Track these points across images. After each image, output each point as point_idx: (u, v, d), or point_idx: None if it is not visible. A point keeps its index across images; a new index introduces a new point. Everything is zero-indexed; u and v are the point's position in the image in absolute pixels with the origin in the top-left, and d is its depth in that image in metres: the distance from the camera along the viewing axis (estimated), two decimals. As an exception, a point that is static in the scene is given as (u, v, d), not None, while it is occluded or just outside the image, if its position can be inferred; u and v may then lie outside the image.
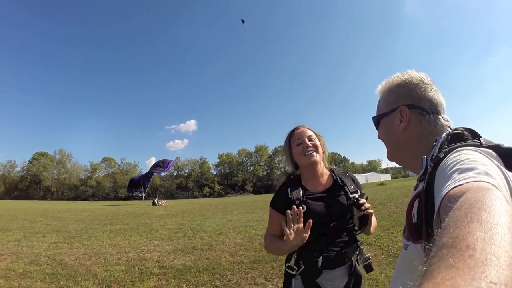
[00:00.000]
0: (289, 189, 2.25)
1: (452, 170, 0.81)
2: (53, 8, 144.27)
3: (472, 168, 0.76)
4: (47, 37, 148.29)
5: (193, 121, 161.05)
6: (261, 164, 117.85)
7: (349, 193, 2.21)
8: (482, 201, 0.56)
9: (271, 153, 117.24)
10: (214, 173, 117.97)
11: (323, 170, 2.35)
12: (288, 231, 1.91)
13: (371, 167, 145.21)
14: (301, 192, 2.20)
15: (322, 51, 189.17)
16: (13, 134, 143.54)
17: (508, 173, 0.83)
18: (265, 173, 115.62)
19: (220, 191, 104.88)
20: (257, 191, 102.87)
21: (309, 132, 2.31)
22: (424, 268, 0.44)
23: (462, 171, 0.77)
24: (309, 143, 2.25)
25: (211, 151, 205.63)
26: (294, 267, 2.13)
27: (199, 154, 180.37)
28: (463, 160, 0.83)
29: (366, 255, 2.25)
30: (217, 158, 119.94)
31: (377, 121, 1.34)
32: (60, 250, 8.64)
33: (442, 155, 0.97)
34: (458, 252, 0.42)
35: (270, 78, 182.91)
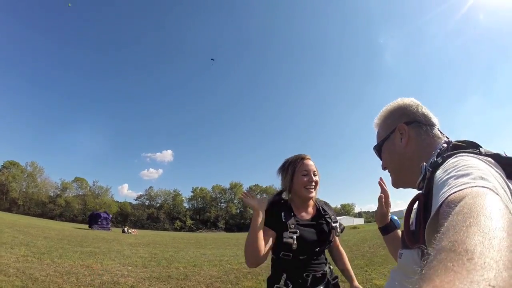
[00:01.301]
0: (282, 213, 2.32)
1: (449, 176, 0.81)
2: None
3: (468, 174, 0.76)
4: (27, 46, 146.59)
5: (169, 151, 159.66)
6: (235, 201, 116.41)
7: (332, 222, 2.39)
8: (480, 206, 0.56)
9: (245, 191, 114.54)
10: (187, 206, 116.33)
11: (311, 201, 2.48)
12: (250, 198, 2.28)
13: (345, 210, 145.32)
14: (293, 220, 2.30)
15: (304, 97, 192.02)
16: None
17: (508, 181, 0.83)
18: (238, 211, 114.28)
19: (192, 226, 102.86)
20: (229, 228, 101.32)
21: (315, 167, 2.43)
22: (423, 271, 0.44)
23: (458, 177, 0.77)
24: (314, 178, 2.37)
25: (185, 184, 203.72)
26: (283, 287, 2.20)
27: (173, 185, 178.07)
28: (459, 166, 0.83)
29: (335, 275, 2.44)
30: (191, 191, 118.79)
31: (379, 148, 1.37)
32: (30, 264, 8.38)
33: (440, 160, 0.97)
34: (457, 255, 0.42)
35: (250, 119, 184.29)
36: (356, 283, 2.49)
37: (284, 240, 2.17)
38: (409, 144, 1.24)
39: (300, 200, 2.41)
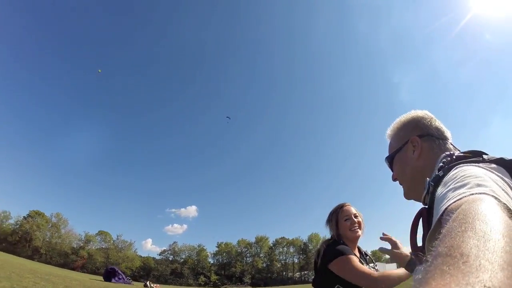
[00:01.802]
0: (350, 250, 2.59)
1: (448, 189, 0.82)
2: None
3: (465, 184, 0.77)
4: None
5: (194, 207, 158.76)
6: (261, 255, 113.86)
7: (373, 263, 2.84)
8: (475, 211, 0.57)
9: (271, 245, 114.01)
10: (212, 262, 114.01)
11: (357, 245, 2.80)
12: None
13: (376, 256, 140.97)
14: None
15: (326, 148, 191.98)
16: (13, 184, 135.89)
17: None
18: (264, 265, 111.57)
19: (217, 281, 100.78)
20: (255, 283, 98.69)
21: (354, 211, 2.76)
22: (420, 276, 0.45)
23: (455, 189, 0.78)
24: (355, 219, 2.70)
25: (209, 239, 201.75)
26: None
27: (197, 241, 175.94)
28: (458, 178, 0.85)
29: None
30: (216, 246, 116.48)
31: (391, 159, 1.39)
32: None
33: (441, 173, 1.00)
34: (452, 259, 0.43)
35: (275, 173, 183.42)
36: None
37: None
38: (421, 157, 1.26)
39: (349, 242, 2.67)
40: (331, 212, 2.81)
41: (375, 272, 2.43)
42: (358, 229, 2.65)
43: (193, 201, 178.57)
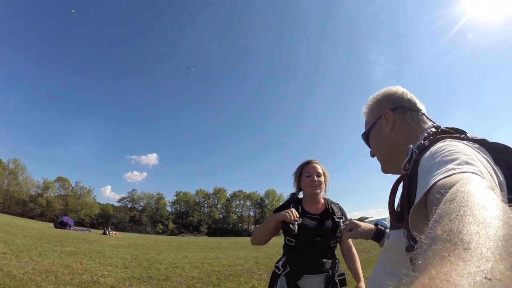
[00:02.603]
0: (291, 205, 2.73)
1: (435, 161, 0.82)
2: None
3: (454, 159, 0.77)
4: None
5: (154, 155, 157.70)
6: (218, 206, 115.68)
7: (336, 218, 2.72)
8: (473, 194, 0.56)
9: (229, 197, 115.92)
10: (170, 210, 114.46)
11: (320, 199, 2.86)
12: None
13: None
14: (299, 210, 2.69)
15: (290, 108, 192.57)
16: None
17: (495, 167, 0.84)
18: (221, 216, 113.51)
19: (174, 230, 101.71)
20: (211, 233, 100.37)
21: (319, 169, 2.83)
22: (419, 262, 0.43)
23: (444, 162, 0.78)
24: (316, 178, 2.76)
25: (169, 188, 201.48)
26: (281, 267, 2.56)
27: (156, 189, 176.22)
28: (446, 151, 0.84)
29: (342, 271, 2.68)
30: (174, 195, 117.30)
31: (366, 135, 1.41)
32: (8, 261, 8.24)
33: (427, 143, 0.99)
34: (452, 245, 0.41)
35: (236, 125, 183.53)
36: (361, 283, 2.61)
37: (289, 225, 2.52)
38: (395, 129, 1.27)
39: (308, 197, 2.82)
40: (298, 166, 2.93)
41: (257, 229, 2.84)
42: (317, 187, 2.74)
43: (154, 148, 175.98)
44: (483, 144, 0.93)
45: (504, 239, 0.41)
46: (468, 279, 0.33)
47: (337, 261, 2.70)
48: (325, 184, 2.88)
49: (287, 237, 2.62)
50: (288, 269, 2.53)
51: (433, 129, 1.12)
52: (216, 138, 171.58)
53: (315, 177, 2.77)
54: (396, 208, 1.09)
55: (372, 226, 1.97)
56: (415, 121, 1.26)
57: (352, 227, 2.02)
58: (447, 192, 0.61)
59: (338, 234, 2.68)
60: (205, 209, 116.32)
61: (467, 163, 0.74)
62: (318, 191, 2.77)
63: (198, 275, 8.92)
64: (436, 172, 0.75)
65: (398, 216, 1.03)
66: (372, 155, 1.39)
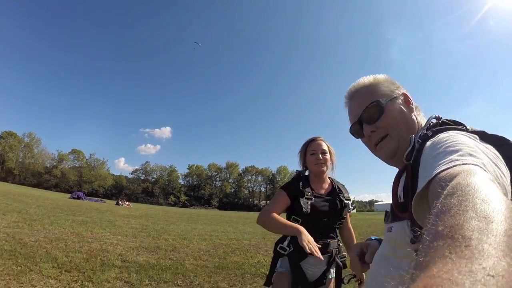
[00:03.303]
0: (301, 183, 2.62)
1: (438, 151, 0.81)
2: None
3: (457, 150, 0.76)
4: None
5: (168, 128, 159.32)
6: (230, 181, 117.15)
7: (344, 200, 2.67)
8: (474, 187, 0.54)
9: (241, 172, 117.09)
10: (182, 183, 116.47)
11: (326, 178, 2.77)
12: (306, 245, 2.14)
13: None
14: (310, 190, 2.60)
15: (307, 88, 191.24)
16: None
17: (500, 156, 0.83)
18: (232, 190, 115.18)
19: (185, 202, 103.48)
20: (222, 207, 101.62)
21: (324, 146, 2.70)
22: (421, 259, 0.41)
23: (447, 153, 0.77)
24: (321, 156, 2.65)
25: (182, 161, 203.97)
26: (286, 247, 2.45)
27: (169, 162, 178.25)
28: (449, 142, 0.83)
29: (344, 253, 2.66)
30: (187, 168, 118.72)
31: (380, 106, 1.20)
32: (20, 229, 8.46)
33: (430, 133, 0.98)
34: (454, 242, 0.40)
35: (252, 101, 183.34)
36: None
37: (301, 203, 2.48)
38: (413, 114, 1.22)
39: (314, 176, 2.72)
40: (302, 144, 2.81)
41: (270, 212, 2.49)
42: (323, 165, 2.63)
43: (168, 122, 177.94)
44: (483, 136, 0.92)
45: (506, 234, 0.40)
46: (470, 277, 0.32)
47: (339, 242, 2.66)
48: (332, 162, 2.76)
49: (293, 216, 2.53)
50: (292, 249, 2.44)
51: (434, 120, 1.10)
52: (232, 115, 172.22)
53: (320, 155, 2.65)
54: (399, 198, 1.05)
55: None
56: (419, 113, 1.25)
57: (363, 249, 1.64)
58: (447, 185, 0.60)
59: (344, 216, 2.65)
60: (217, 183, 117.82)
61: (470, 154, 0.73)
62: (324, 168, 2.66)
63: (205, 247, 9.05)
64: (439, 163, 0.74)
65: (402, 207, 1.00)
66: (381, 127, 1.20)
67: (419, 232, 0.71)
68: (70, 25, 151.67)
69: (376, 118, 1.20)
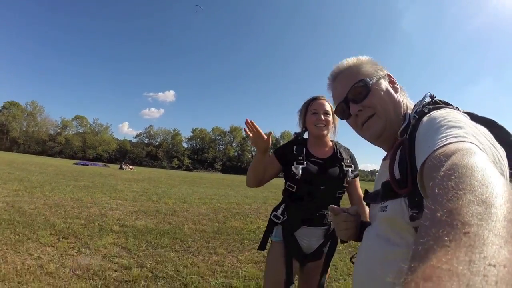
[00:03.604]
0: (295, 147, 2.43)
1: (440, 124, 0.79)
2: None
3: (461, 127, 0.74)
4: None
5: (172, 92, 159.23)
6: (234, 144, 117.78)
7: (344, 166, 2.41)
8: (472, 169, 0.52)
9: (244, 135, 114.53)
10: (186, 146, 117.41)
11: (327, 142, 2.52)
12: (251, 134, 2.15)
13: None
14: (304, 152, 2.39)
15: (317, 51, 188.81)
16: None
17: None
18: (236, 154, 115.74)
19: (189, 165, 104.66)
20: (225, 170, 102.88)
21: (327, 107, 2.44)
22: (419, 248, 0.39)
23: (449, 127, 0.76)
24: (322, 117, 2.39)
25: (185, 125, 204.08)
26: (280, 216, 2.35)
27: (173, 125, 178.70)
28: (450, 117, 0.82)
29: None
30: (191, 132, 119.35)
31: (368, 84, 1.18)
32: (20, 198, 8.46)
33: (426, 110, 0.97)
34: (453, 229, 0.38)
35: (255, 64, 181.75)
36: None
37: (292, 168, 2.30)
38: (398, 94, 1.22)
39: (313, 138, 2.48)
40: (304, 103, 2.56)
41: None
42: (324, 127, 2.40)
43: (171, 85, 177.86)
44: (474, 118, 0.92)
45: (506, 219, 0.39)
46: (471, 267, 0.32)
47: None
48: (334, 125, 2.52)
49: (287, 182, 2.38)
50: (286, 218, 2.34)
51: (428, 98, 1.08)
52: (235, 77, 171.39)
53: (322, 115, 2.39)
54: (396, 175, 0.99)
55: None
56: (403, 93, 1.25)
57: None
58: (443, 165, 0.58)
59: (345, 184, 2.41)
60: (220, 146, 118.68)
61: (474, 136, 0.71)
62: (325, 131, 2.42)
63: (205, 211, 9.09)
64: (443, 134, 0.73)
65: (401, 183, 0.94)
66: (367, 106, 1.18)
67: (419, 207, 0.70)
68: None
69: (362, 96, 1.18)
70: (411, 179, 0.88)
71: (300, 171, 2.29)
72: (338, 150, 2.50)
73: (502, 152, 0.80)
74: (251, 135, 2.14)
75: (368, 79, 1.19)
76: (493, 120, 0.94)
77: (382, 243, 1.05)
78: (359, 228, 1.38)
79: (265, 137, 2.14)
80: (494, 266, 0.31)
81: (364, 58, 1.28)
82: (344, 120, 1.34)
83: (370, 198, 1.28)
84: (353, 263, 1.94)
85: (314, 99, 2.48)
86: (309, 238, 2.34)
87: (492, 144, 0.76)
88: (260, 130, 2.15)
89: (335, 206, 1.41)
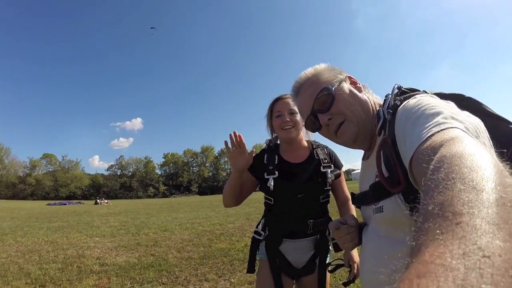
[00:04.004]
0: (265, 155, 2.25)
1: (417, 114, 0.79)
2: None
3: (438, 113, 0.74)
4: None
5: (139, 119, 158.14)
6: (207, 165, 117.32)
7: (322, 167, 2.20)
8: (461, 156, 0.51)
9: (217, 154, 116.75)
10: (159, 173, 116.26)
11: (300, 144, 2.31)
12: (230, 152, 1.98)
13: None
14: (276, 160, 2.20)
15: (272, 57, 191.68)
16: None
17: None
18: (210, 174, 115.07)
19: (165, 192, 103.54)
20: (202, 192, 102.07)
21: (291, 105, 2.17)
22: (413, 243, 0.38)
23: (428, 116, 0.75)
24: (287, 118, 2.15)
25: (157, 151, 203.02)
26: (261, 232, 2.23)
27: (144, 153, 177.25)
28: (425, 105, 0.81)
29: None
30: (163, 158, 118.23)
31: (331, 94, 1.17)
32: (-10, 247, 7.95)
33: (398, 102, 0.98)
34: (444, 221, 0.37)
35: (217, 79, 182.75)
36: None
37: (266, 179, 2.14)
38: (363, 93, 1.23)
39: (284, 143, 2.29)
40: (268, 108, 2.32)
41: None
42: (291, 129, 2.16)
43: (137, 113, 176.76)
44: (442, 97, 0.95)
45: (498, 203, 0.38)
46: (465, 260, 0.30)
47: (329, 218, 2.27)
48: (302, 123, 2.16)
49: (264, 195, 2.24)
50: (268, 233, 2.20)
51: (397, 90, 1.09)
52: (198, 93, 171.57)
53: (287, 116, 2.15)
54: (383, 173, 0.97)
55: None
56: (367, 91, 1.26)
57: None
58: (432, 159, 0.57)
59: (327, 187, 2.20)
60: (194, 168, 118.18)
61: (453, 118, 0.72)
62: (294, 134, 2.18)
63: (188, 237, 8.79)
64: (421, 127, 0.73)
65: (393, 181, 0.92)
66: (336, 112, 1.17)
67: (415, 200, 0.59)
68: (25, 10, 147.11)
69: (328, 105, 1.18)
70: (403, 176, 0.86)
71: (272, 183, 2.11)
72: (314, 151, 2.30)
73: (480, 123, 0.79)
74: (232, 152, 1.98)
75: (330, 86, 1.19)
76: (461, 94, 1.01)
77: (386, 244, 1.04)
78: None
79: (248, 155, 2.00)
80: (489, 257, 0.30)
81: (321, 66, 1.30)
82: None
83: (359, 201, 1.27)
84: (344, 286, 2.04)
85: (277, 100, 2.25)
86: (295, 251, 2.17)
87: (475, 125, 0.74)
88: (246, 146, 1.98)
89: (333, 222, 1.37)
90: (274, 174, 2.13)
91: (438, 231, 0.36)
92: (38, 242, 8.71)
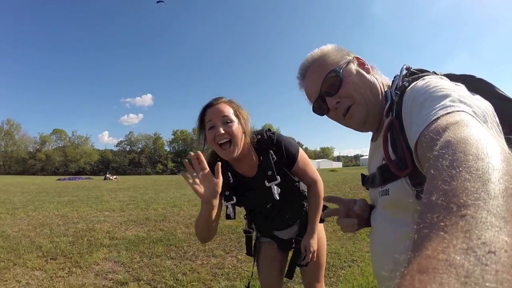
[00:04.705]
0: (229, 173, 1.91)
1: (424, 96, 0.78)
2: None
3: (446, 95, 0.72)
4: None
5: (149, 96, 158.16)
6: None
7: (266, 181, 1.88)
8: (466, 143, 0.49)
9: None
10: (168, 150, 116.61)
11: (247, 153, 1.89)
12: (192, 182, 1.57)
13: (324, 153, 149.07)
14: (231, 179, 1.91)
15: (292, 39, 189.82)
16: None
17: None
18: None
19: (173, 169, 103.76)
20: (211, 169, 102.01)
21: (225, 111, 1.76)
22: (416, 236, 0.37)
23: (435, 98, 0.73)
24: (222, 130, 1.70)
25: (166, 127, 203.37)
26: (250, 230, 2.25)
27: (153, 129, 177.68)
28: (433, 87, 0.79)
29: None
30: (172, 134, 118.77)
31: (339, 73, 1.14)
32: (2, 221, 8.11)
33: (406, 84, 0.96)
34: (449, 213, 0.36)
35: (235, 58, 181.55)
36: (308, 239, 2.03)
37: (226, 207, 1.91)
38: (372, 74, 1.18)
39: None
40: (198, 118, 1.86)
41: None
42: (228, 144, 1.73)
43: (148, 89, 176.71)
44: (452, 78, 0.93)
45: (505, 194, 0.37)
46: (469, 256, 0.29)
47: (305, 206, 2.11)
48: (244, 131, 1.81)
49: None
50: (254, 229, 2.29)
51: (405, 71, 1.07)
52: (210, 71, 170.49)
53: (221, 128, 1.70)
54: (392, 156, 0.96)
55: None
56: (375, 72, 1.21)
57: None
58: (436, 144, 0.55)
59: (296, 183, 2.02)
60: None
61: (460, 101, 0.69)
62: (234, 153, 1.74)
63: (196, 213, 8.76)
64: (428, 109, 0.71)
65: (400, 165, 0.90)
66: (346, 95, 1.13)
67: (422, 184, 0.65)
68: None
69: (336, 87, 1.14)
70: (410, 159, 0.84)
71: (232, 211, 1.89)
72: (260, 157, 1.91)
73: (489, 107, 0.78)
74: (195, 184, 1.57)
75: (337, 68, 1.15)
76: (472, 75, 0.97)
77: (392, 227, 1.03)
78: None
79: (215, 176, 1.59)
80: (494, 252, 0.29)
81: (328, 47, 1.25)
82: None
83: (368, 182, 1.24)
84: None
85: (209, 107, 1.80)
86: (284, 234, 2.20)
87: (478, 101, 0.74)
88: (207, 169, 1.61)
89: (344, 219, 1.29)
90: (232, 199, 1.89)
91: (441, 224, 0.34)
92: (49, 216, 8.84)
